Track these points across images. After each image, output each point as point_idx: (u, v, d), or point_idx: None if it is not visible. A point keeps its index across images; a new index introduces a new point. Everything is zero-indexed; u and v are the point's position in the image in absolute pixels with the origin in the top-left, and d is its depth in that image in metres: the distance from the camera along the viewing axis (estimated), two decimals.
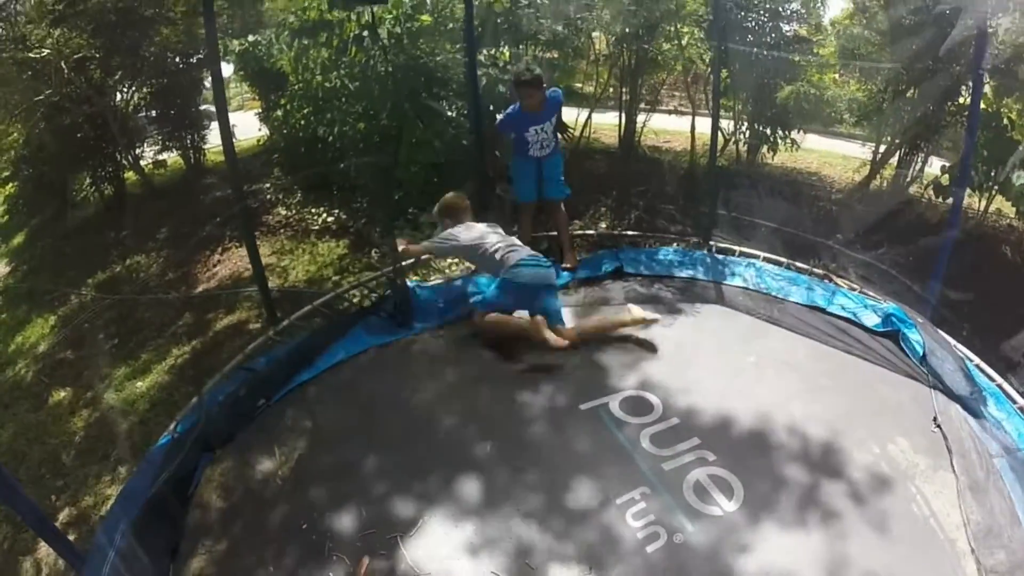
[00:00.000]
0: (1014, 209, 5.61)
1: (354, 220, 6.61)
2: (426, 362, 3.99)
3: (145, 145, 8.95)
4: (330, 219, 6.86)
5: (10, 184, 9.13)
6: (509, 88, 5.49)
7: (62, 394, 5.29)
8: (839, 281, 4.81)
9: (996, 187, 5.74)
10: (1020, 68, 5.37)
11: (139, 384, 5.17)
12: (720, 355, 4.00)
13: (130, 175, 8.81)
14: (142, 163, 8.80)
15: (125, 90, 8.52)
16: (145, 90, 8.66)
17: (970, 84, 5.49)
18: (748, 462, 3.17)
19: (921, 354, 3.87)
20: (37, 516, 2.58)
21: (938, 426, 3.41)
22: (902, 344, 4.02)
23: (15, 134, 8.34)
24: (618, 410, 3.54)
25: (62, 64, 7.11)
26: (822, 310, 4.41)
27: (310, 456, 3.32)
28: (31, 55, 7.02)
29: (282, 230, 6.89)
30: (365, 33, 5.80)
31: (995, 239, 6.59)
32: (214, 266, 6.93)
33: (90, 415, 4.94)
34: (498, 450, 3.30)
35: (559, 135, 5.03)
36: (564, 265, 4.91)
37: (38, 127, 7.83)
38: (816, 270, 4.93)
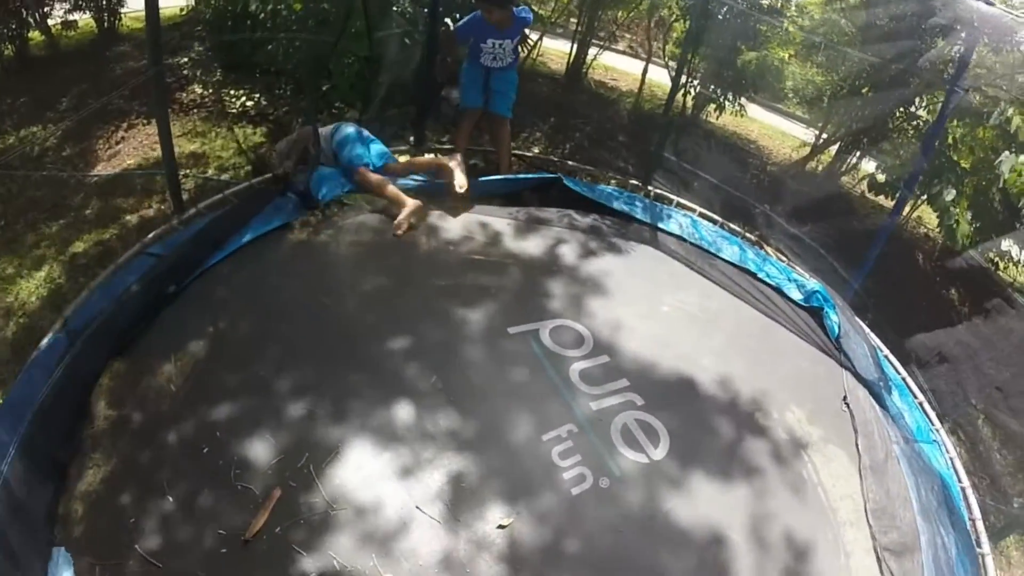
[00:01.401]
0: (936, 221, 5.79)
1: (275, 107, 6.15)
2: (342, 253, 3.67)
3: (55, 3, 8.05)
4: (250, 103, 6.34)
5: None
6: None
7: None
8: (769, 250, 4.79)
9: (926, 197, 5.87)
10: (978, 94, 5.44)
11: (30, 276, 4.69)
12: (651, 298, 3.90)
13: (35, 35, 7.94)
14: (49, 23, 7.93)
15: None
16: None
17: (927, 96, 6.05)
18: (673, 411, 3.15)
19: (837, 334, 3.96)
20: None
21: (847, 405, 3.53)
22: (824, 321, 4.08)
23: None
24: (548, 339, 3.37)
25: None
26: (752, 274, 4.38)
27: (213, 364, 2.95)
28: None
29: (196, 110, 6.33)
30: None
31: (911, 244, 7.04)
32: (117, 143, 6.32)
33: None
34: (422, 369, 3.06)
35: (518, 50, 4.76)
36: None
37: None
38: (748, 235, 4.88)
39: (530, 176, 4.74)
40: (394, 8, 5.59)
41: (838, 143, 7.51)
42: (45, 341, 2.92)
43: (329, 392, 2.88)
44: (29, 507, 2.38)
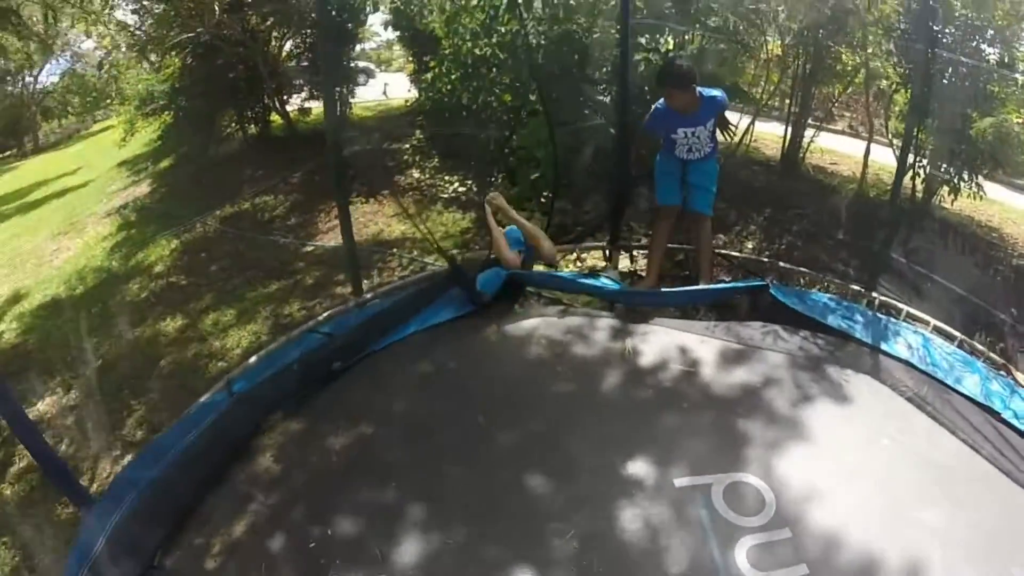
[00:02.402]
0: None
1: (485, 194, 6.32)
2: (497, 359, 3.52)
3: (294, 92, 9.15)
4: (461, 188, 6.65)
5: (166, 112, 9.60)
6: None
7: (164, 318, 5.37)
8: (1020, 376, 3.98)
9: None
10: None
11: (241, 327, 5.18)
12: (861, 449, 3.13)
13: (275, 118, 9.05)
14: (288, 108, 8.99)
15: (276, 36, 8.71)
16: (298, 39, 8.83)
17: None
18: None
19: None
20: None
21: None
22: None
23: (171, 68, 8.75)
24: (720, 500, 2.78)
25: (215, 5, 7.29)
26: (995, 414, 3.64)
27: (346, 458, 2.94)
28: None
29: (411, 192, 6.76)
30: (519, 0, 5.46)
31: None
32: (335, 218, 6.91)
33: (183, 345, 4.97)
34: (554, 524, 2.65)
35: (718, 135, 4.27)
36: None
37: (191, 63, 8.12)
38: (993, 355, 4.02)
39: (732, 286, 4.30)
40: (600, 97, 5.65)
41: None
42: (205, 397, 3.14)
43: (439, 523, 2.66)
44: (140, 540, 2.55)
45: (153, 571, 2.54)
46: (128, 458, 3.41)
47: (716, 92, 4.00)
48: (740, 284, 4.27)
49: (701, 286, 4.23)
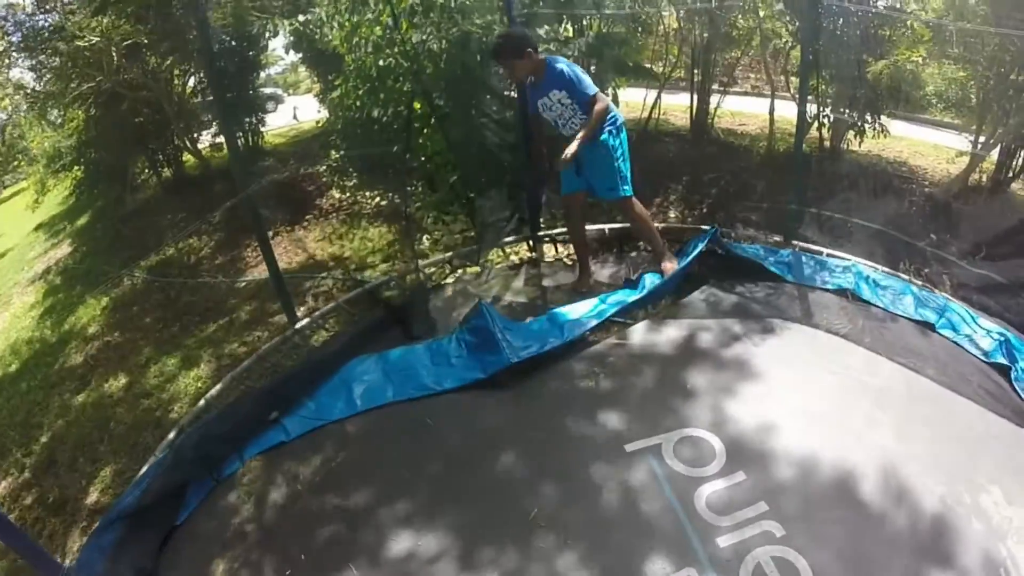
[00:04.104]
0: None
1: (407, 204, 6.33)
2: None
3: (203, 129, 8.94)
4: (383, 203, 6.60)
5: (76, 167, 9.28)
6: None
7: (106, 379, 5.20)
8: (943, 294, 4.22)
9: None
10: None
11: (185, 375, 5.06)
12: (802, 386, 3.36)
13: (188, 158, 8.84)
14: (199, 146, 8.80)
15: (179, 75, 8.50)
16: (200, 75, 8.62)
17: None
18: (824, 542, 2.57)
19: None
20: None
21: None
22: (1012, 380, 3.42)
23: (75, 122, 8.47)
24: (671, 455, 2.97)
25: (112, 51, 7.08)
26: (932, 327, 3.85)
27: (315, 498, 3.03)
28: (80, 43, 6.99)
29: (334, 214, 6.69)
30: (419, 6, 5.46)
31: None
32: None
33: (130, 402, 4.84)
34: (520, 497, 2.85)
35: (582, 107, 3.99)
36: (662, 267, 4.26)
37: (95, 113, 7.88)
38: (915, 280, 4.32)
39: (696, 251, 4.34)
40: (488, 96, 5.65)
41: (999, 144, 6.58)
42: (148, 464, 3.29)
43: (417, 529, 2.80)
44: None
45: None
46: (96, 524, 3.32)
47: (560, 60, 3.95)
48: (699, 244, 4.40)
49: (677, 267, 4.24)
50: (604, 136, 4.02)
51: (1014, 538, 2.59)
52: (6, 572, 3.57)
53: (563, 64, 3.90)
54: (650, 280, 4.24)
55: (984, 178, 6.59)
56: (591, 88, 3.91)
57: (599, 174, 4.15)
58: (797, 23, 6.47)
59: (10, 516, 3.98)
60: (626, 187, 4.19)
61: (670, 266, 4.25)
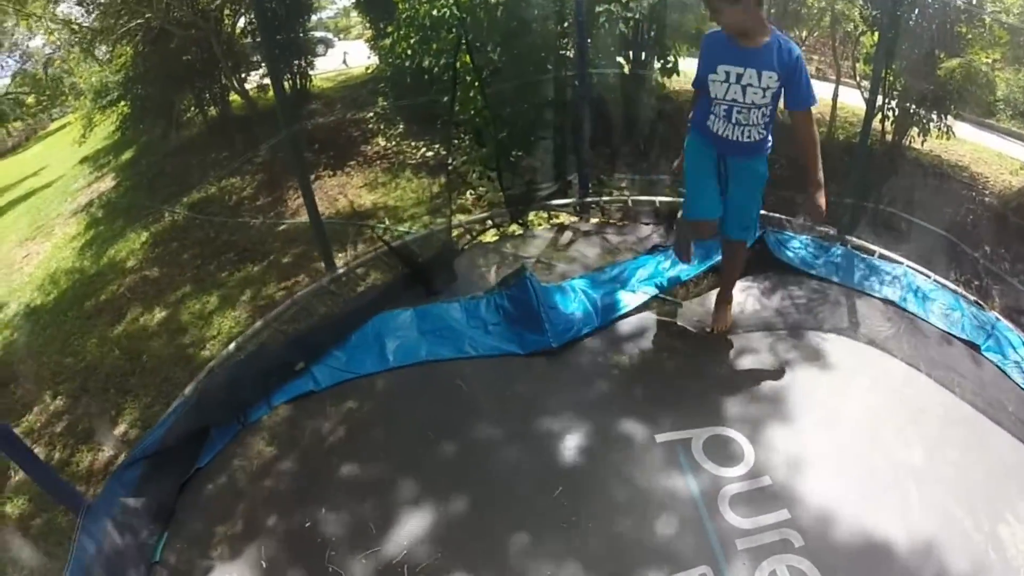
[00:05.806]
0: None
1: (453, 157, 6.21)
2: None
3: (251, 69, 8.89)
4: (429, 153, 6.49)
5: (123, 103, 9.32)
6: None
7: (142, 312, 5.25)
8: (994, 313, 4.01)
9: None
10: None
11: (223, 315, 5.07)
12: (840, 396, 3.24)
13: (235, 98, 8.81)
14: (247, 87, 8.75)
15: (229, 15, 8.43)
16: (250, 15, 8.55)
17: None
18: (841, 557, 2.51)
19: None
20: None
21: None
22: None
23: (123, 57, 8.46)
24: (700, 452, 2.90)
25: None
26: (977, 348, 3.67)
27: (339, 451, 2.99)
28: None
29: (379, 161, 6.61)
30: None
31: None
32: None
33: (164, 337, 4.87)
34: (546, 481, 2.79)
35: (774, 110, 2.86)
36: (712, 327, 3.56)
37: (143, 50, 7.87)
38: (967, 293, 4.12)
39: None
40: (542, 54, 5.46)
41: None
42: (175, 403, 3.23)
43: (439, 493, 2.76)
44: (130, 540, 2.62)
45: (156, 567, 2.57)
46: (121, 457, 3.34)
47: (794, 44, 2.75)
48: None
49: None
50: (762, 161, 3.04)
51: None
52: (32, 503, 3.63)
53: (798, 50, 2.75)
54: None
55: None
56: (814, 98, 2.87)
57: (741, 206, 3.16)
58: (871, 8, 6.17)
59: (40, 442, 4.09)
60: (756, 231, 3.65)
61: (722, 325, 3.60)
